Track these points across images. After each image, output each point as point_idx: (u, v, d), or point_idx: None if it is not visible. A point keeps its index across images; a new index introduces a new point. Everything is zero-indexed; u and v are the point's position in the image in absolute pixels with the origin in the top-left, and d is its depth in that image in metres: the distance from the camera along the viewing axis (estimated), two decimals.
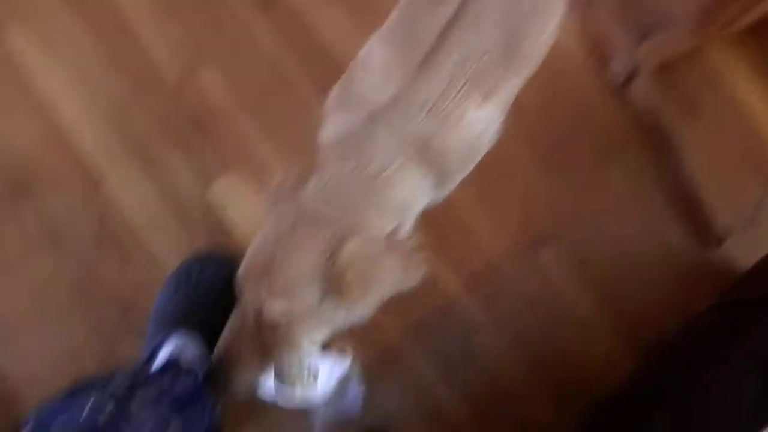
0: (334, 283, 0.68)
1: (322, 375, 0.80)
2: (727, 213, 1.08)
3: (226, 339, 0.78)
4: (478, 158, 0.82)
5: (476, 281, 1.08)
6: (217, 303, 0.96)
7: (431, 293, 0.72)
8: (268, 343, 0.75)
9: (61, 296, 1.01)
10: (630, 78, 1.12)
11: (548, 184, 1.12)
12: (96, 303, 1.02)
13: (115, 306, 1.02)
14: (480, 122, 0.76)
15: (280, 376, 0.77)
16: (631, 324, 1.09)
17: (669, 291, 1.10)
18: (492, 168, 1.08)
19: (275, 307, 0.71)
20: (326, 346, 0.81)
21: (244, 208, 1.07)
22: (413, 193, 0.77)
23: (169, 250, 1.04)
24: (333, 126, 0.78)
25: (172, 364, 0.86)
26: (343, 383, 0.94)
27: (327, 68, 1.07)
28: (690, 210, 1.12)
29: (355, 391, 0.95)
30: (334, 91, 0.80)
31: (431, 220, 0.83)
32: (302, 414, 0.99)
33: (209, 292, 0.97)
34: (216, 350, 0.82)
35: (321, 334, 0.77)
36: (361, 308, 0.72)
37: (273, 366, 0.79)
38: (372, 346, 1.00)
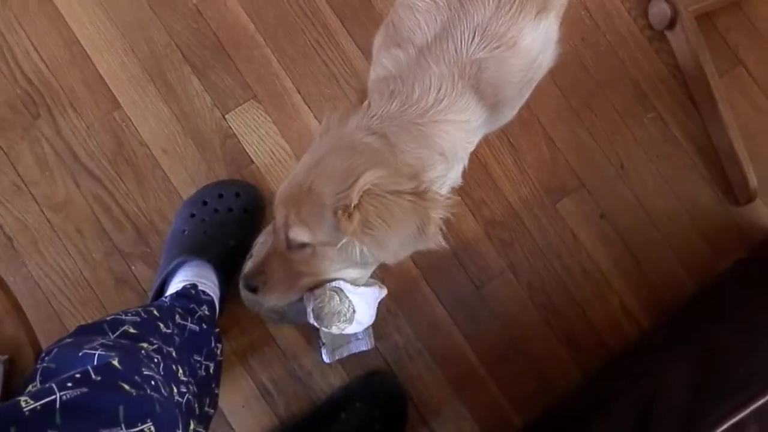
0: (342, 211, 0.66)
1: (359, 311, 0.77)
2: (759, 171, 1.05)
3: (259, 255, 0.77)
4: (534, 84, 0.78)
5: (494, 225, 1.06)
6: (232, 234, 0.96)
7: (448, 231, 0.70)
8: (299, 271, 0.74)
9: (78, 216, 1.01)
10: (671, 24, 1.07)
11: (576, 136, 1.09)
12: (113, 224, 1.02)
13: (131, 227, 1.02)
14: (536, 42, 0.73)
15: (316, 315, 0.76)
16: (648, 278, 1.07)
17: (690, 247, 1.08)
18: (524, 115, 1.06)
19: (299, 236, 0.70)
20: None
21: (263, 137, 1.05)
22: (459, 136, 0.74)
23: (187, 176, 1.03)
24: (380, 66, 0.76)
25: (187, 290, 0.87)
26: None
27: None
28: (722, 166, 1.09)
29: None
30: (380, 32, 0.79)
31: None
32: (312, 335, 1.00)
33: (224, 221, 0.97)
34: (246, 265, 0.83)
35: (349, 272, 0.75)
36: (375, 251, 0.68)
37: (306, 298, 0.78)
38: (386, 281, 0.99)
